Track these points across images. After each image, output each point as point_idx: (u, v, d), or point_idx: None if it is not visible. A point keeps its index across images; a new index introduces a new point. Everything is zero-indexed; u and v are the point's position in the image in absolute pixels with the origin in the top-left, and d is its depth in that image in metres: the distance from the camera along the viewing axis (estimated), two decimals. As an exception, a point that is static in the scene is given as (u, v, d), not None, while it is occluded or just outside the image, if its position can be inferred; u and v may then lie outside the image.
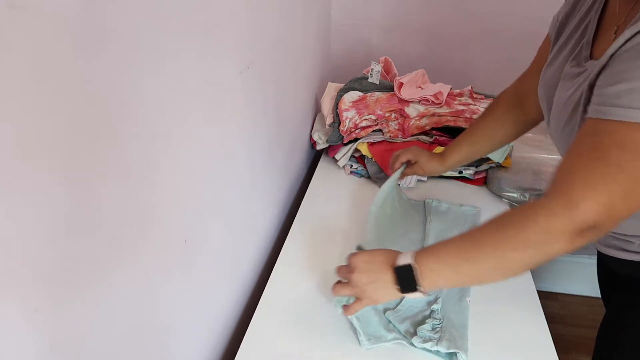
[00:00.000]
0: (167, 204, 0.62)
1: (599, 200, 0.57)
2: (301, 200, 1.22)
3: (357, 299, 0.74)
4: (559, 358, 0.79)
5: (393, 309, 0.86)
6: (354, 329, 0.82)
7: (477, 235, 0.65)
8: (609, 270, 0.88)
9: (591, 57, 0.70)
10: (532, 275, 0.97)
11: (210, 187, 0.76)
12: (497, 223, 0.63)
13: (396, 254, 0.72)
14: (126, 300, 0.55)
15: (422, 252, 0.69)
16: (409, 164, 1.11)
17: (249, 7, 0.83)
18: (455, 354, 0.76)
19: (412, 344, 0.79)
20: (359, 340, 0.80)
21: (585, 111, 0.65)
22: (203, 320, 0.79)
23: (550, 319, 0.87)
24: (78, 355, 0.48)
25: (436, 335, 0.78)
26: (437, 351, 0.77)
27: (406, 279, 0.68)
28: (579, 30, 0.75)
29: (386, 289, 0.70)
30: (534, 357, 0.79)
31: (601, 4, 0.71)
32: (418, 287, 0.67)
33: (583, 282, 1.74)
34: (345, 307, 0.75)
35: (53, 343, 0.43)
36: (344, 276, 0.75)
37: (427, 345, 0.77)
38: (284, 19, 1.08)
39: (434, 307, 0.84)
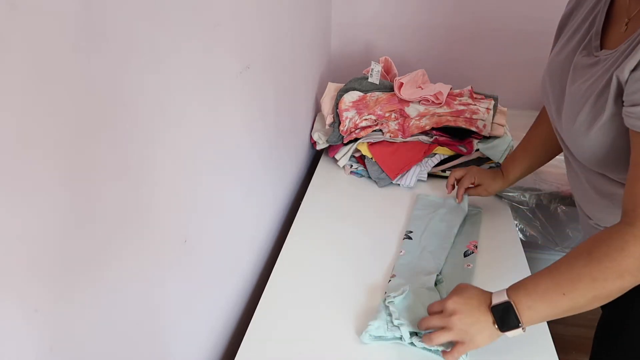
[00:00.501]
0: (167, 203, 0.62)
1: None
2: (301, 200, 1.21)
3: (458, 343, 0.72)
4: (559, 358, 0.79)
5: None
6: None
7: (570, 269, 0.64)
8: None
9: (602, 47, 0.71)
10: (532, 275, 0.97)
11: (210, 187, 0.76)
12: (589, 256, 0.63)
13: (488, 293, 0.72)
14: (126, 300, 0.55)
15: (513, 289, 0.69)
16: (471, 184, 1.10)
17: (249, 7, 0.83)
18: None
19: (412, 344, 0.79)
20: (363, 333, 0.80)
21: (615, 102, 0.65)
22: (203, 320, 0.79)
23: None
24: (78, 355, 0.48)
25: None
26: (437, 350, 0.77)
27: (506, 318, 0.67)
28: (587, 21, 0.75)
29: (488, 329, 0.69)
30: (534, 357, 0.79)
31: None
32: (520, 325, 0.67)
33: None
34: (445, 354, 0.74)
35: (53, 343, 0.43)
36: (437, 324, 0.74)
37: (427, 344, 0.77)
38: (284, 19, 1.08)
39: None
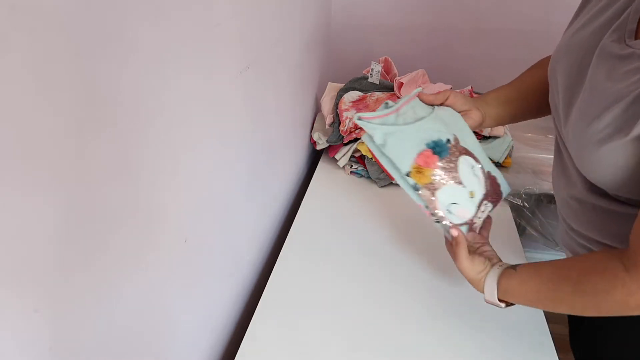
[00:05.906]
0: (167, 203, 0.62)
1: None
2: (301, 200, 1.22)
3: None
4: (559, 358, 0.79)
5: None
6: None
7: (555, 291, 0.65)
8: None
9: (637, 34, 0.58)
10: (532, 275, 0.97)
11: (210, 186, 0.76)
12: (575, 286, 0.62)
13: (486, 273, 0.76)
14: (126, 300, 0.55)
15: (503, 288, 0.72)
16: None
17: (249, 7, 0.83)
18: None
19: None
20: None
21: None
22: (203, 320, 0.79)
23: (550, 319, 0.87)
24: (77, 356, 0.48)
25: None
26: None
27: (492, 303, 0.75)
28: None
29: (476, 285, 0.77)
30: (534, 357, 0.79)
31: None
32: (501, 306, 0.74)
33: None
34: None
35: (53, 343, 0.43)
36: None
37: None
38: (284, 19, 1.08)
39: None
